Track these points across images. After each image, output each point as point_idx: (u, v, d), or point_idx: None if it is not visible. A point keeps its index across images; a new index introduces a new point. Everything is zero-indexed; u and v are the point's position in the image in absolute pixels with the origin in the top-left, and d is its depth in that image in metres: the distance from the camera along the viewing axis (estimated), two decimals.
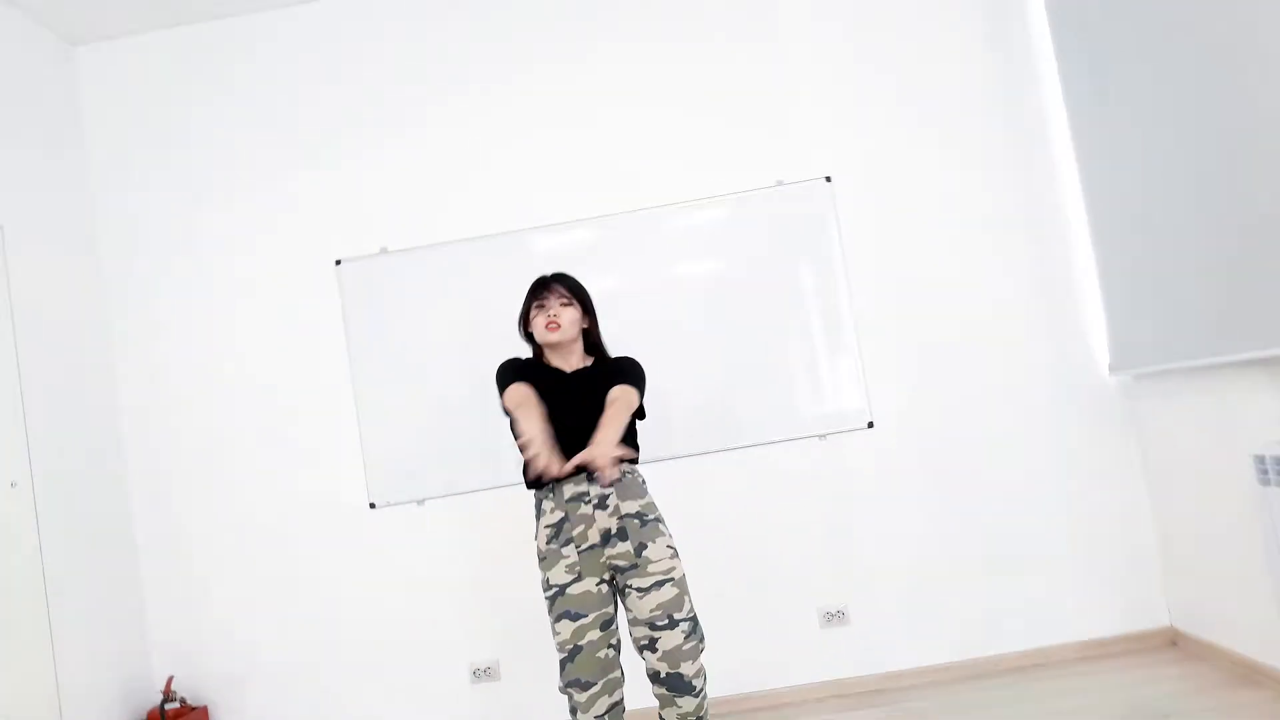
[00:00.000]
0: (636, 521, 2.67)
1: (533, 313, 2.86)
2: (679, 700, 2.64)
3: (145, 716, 3.82)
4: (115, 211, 4.15)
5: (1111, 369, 3.81)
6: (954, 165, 3.97)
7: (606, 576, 2.67)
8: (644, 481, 2.80)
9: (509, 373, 2.77)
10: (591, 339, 2.92)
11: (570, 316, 2.83)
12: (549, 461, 2.43)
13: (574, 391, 2.74)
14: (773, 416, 3.88)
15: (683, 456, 3.88)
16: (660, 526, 2.71)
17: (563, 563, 2.65)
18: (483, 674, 3.96)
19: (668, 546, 2.68)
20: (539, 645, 3.83)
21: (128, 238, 4.14)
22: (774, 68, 4.05)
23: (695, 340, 3.92)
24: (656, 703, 2.75)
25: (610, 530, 2.65)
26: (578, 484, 2.68)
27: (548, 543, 2.68)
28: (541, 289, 2.87)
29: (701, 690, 2.65)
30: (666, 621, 2.60)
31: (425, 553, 3.99)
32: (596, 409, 2.63)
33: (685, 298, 3.96)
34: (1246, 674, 3.30)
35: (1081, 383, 3.89)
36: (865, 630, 3.87)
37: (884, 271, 3.94)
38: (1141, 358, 3.55)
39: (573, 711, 2.62)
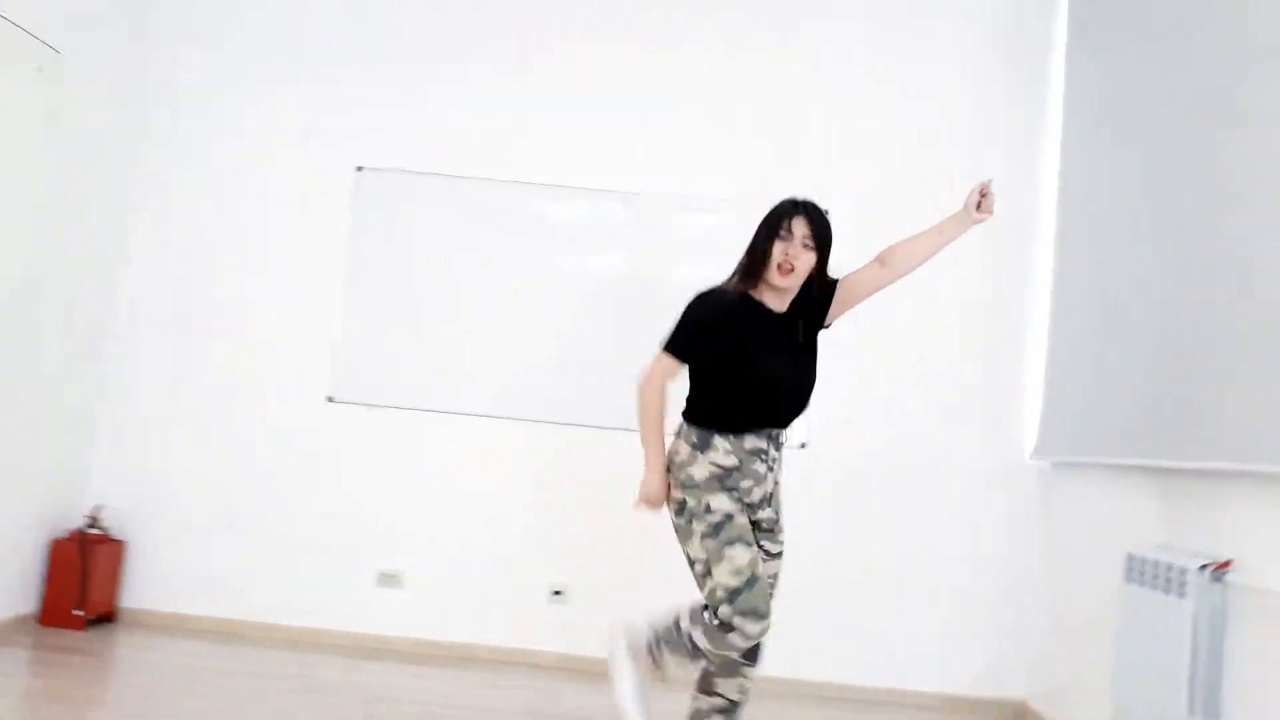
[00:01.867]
0: (779, 489, 2.69)
1: (775, 235, 2.57)
2: (747, 671, 2.64)
3: (67, 534, 4.02)
4: (167, 66, 4.35)
5: (1034, 454, 4.06)
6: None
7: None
8: None
9: (712, 310, 2.59)
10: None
11: (807, 263, 2.57)
12: None
13: (792, 341, 2.63)
14: None
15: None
16: None
17: (725, 494, 2.52)
18: (390, 579, 4.17)
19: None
20: (453, 565, 4.08)
21: (174, 95, 4.34)
22: (799, 96, 4.29)
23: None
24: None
25: (768, 494, 2.63)
26: (759, 438, 2.57)
27: (709, 476, 2.53)
28: (792, 213, 2.55)
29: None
30: (772, 591, 2.61)
31: (365, 454, 4.21)
32: (811, 360, 2.65)
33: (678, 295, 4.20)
34: None
35: (1005, 459, 4.14)
36: None
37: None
38: (1061, 448, 3.80)
39: (730, 646, 2.46)
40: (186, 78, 4.35)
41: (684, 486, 2.55)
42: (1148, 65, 3.44)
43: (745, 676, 2.65)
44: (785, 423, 2.64)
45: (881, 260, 2.74)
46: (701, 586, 2.56)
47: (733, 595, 2.44)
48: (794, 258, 2.54)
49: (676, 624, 2.57)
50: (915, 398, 4.15)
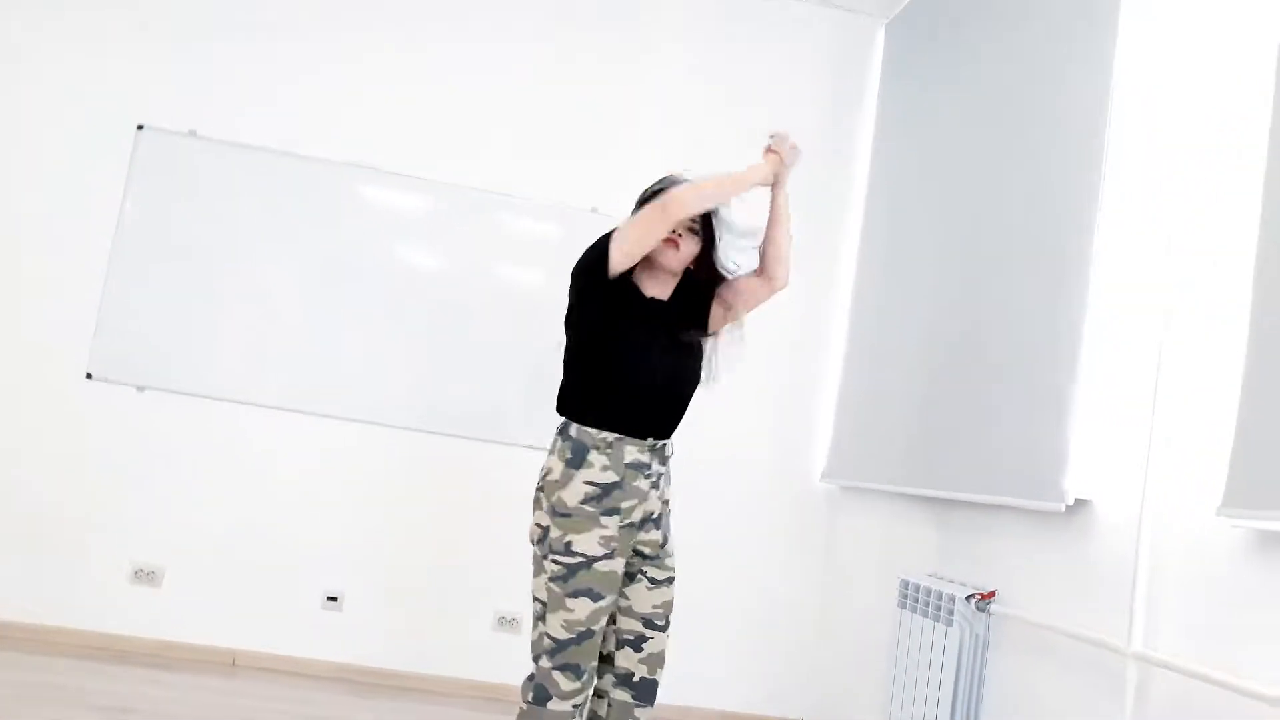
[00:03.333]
0: (667, 508, 2.45)
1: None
2: (639, 713, 2.40)
3: None
4: None
5: (823, 477, 4.16)
6: None
7: (631, 560, 2.38)
8: None
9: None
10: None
11: (690, 250, 2.40)
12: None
13: (671, 335, 2.41)
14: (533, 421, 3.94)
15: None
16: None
17: (598, 532, 2.26)
18: (145, 576, 3.83)
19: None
20: (217, 564, 3.79)
21: None
22: (631, 99, 4.25)
23: (500, 339, 4.01)
24: (605, 710, 2.43)
25: (653, 514, 2.38)
26: (642, 451, 2.32)
27: (583, 502, 2.26)
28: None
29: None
30: (663, 623, 2.41)
31: (126, 439, 3.85)
32: (694, 362, 2.44)
33: (501, 296, 4.06)
34: None
35: (796, 482, 4.22)
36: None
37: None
38: (846, 472, 3.91)
39: (545, 696, 2.26)
40: None
41: (553, 512, 2.29)
42: (935, 139, 3.60)
43: (635, 717, 2.42)
44: (666, 430, 2.39)
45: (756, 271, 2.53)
46: (533, 630, 2.36)
47: (557, 648, 2.27)
48: (680, 237, 2.34)
49: None
50: (715, 417, 4.15)
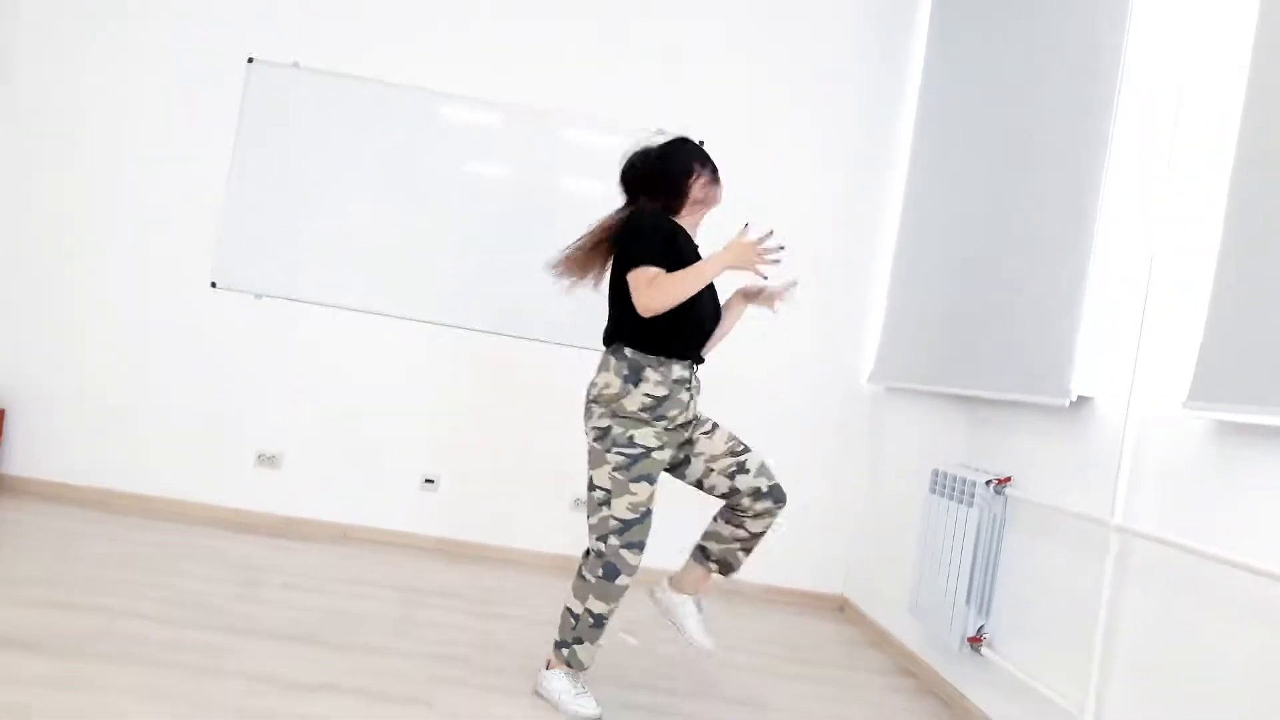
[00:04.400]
0: (700, 398, 2.95)
1: (702, 175, 2.81)
2: (778, 511, 2.84)
3: None
4: None
5: (870, 378, 4.50)
6: (808, 170, 4.56)
7: (681, 446, 2.81)
8: None
9: (667, 231, 2.73)
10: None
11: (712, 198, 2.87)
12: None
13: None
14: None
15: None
16: None
17: (652, 430, 2.68)
18: (267, 460, 4.39)
19: None
20: (329, 450, 4.33)
21: None
22: (684, 34, 4.52)
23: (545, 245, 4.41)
24: (739, 529, 2.86)
25: (691, 419, 2.81)
26: (684, 369, 2.74)
27: (640, 409, 2.67)
28: (709, 160, 2.85)
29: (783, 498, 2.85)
30: (743, 446, 2.83)
31: (248, 341, 4.37)
32: (713, 291, 2.82)
33: (562, 205, 4.44)
34: (878, 640, 4.07)
35: (845, 382, 4.59)
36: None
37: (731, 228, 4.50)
38: (891, 375, 4.24)
39: (615, 572, 2.68)
40: None
41: (614, 415, 2.68)
42: (976, 72, 3.80)
43: (774, 515, 2.86)
44: (700, 352, 2.82)
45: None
46: (591, 515, 2.73)
47: (624, 527, 2.67)
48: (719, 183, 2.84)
49: (567, 614, 2.78)
50: (774, 326, 4.53)
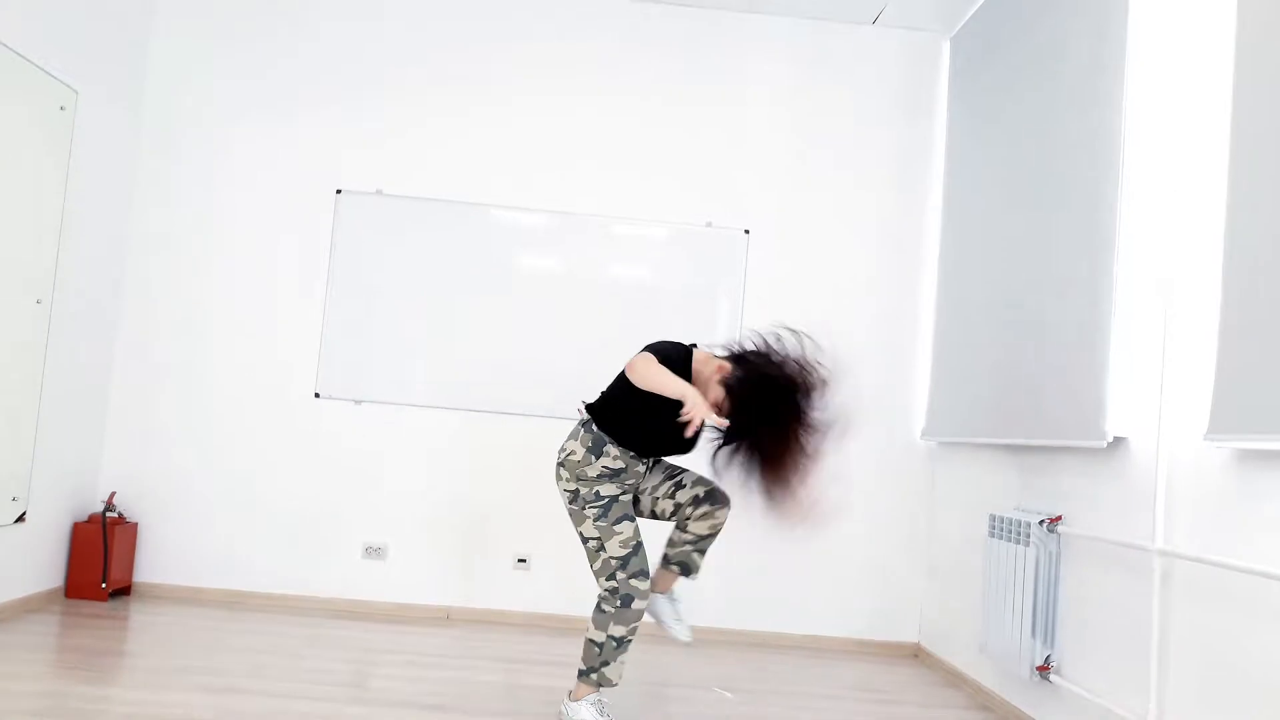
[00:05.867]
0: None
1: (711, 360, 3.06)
2: (717, 512, 3.18)
3: (87, 517, 4.56)
4: (165, 100, 4.88)
5: (923, 435, 4.84)
6: (849, 248, 4.98)
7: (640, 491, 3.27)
8: None
9: (681, 354, 3.04)
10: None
11: (715, 397, 2.98)
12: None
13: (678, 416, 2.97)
14: None
15: None
16: None
17: (612, 484, 3.13)
18: (373, 552, 4.79)
19: None
20: (429, 538, 4.72)
21: (173, 126, 4.87)
22: (726, 137, 5.00)
23: (614, 332, 4.84)
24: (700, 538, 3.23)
25: (645, 473, 3.24)
26: (641, 462, 3.20)
27: (598, 476, 3.11)
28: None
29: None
30: (680, 469, 3.26)
31: (349, 443, 4.81)
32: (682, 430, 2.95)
33: (613, 295, 4.89)
34: (953, 680, 4.34)
35: (900, 440, 4.93)
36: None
37: (778, 311, 4.91)
38: (942, 430, 4.58)
39: (630, 600, 3.07)
40: (184, 110, 4.87)
41: (577, 479, 3.12)
42: (997, 141, 4.22)
43: (716, 518, 3.21)
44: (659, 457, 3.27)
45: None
46: (594, 562, 3.13)
47: (624, 561, 3.08)
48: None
49: (590, 644, 3.12)
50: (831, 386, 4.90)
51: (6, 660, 3.52)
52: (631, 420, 3.10)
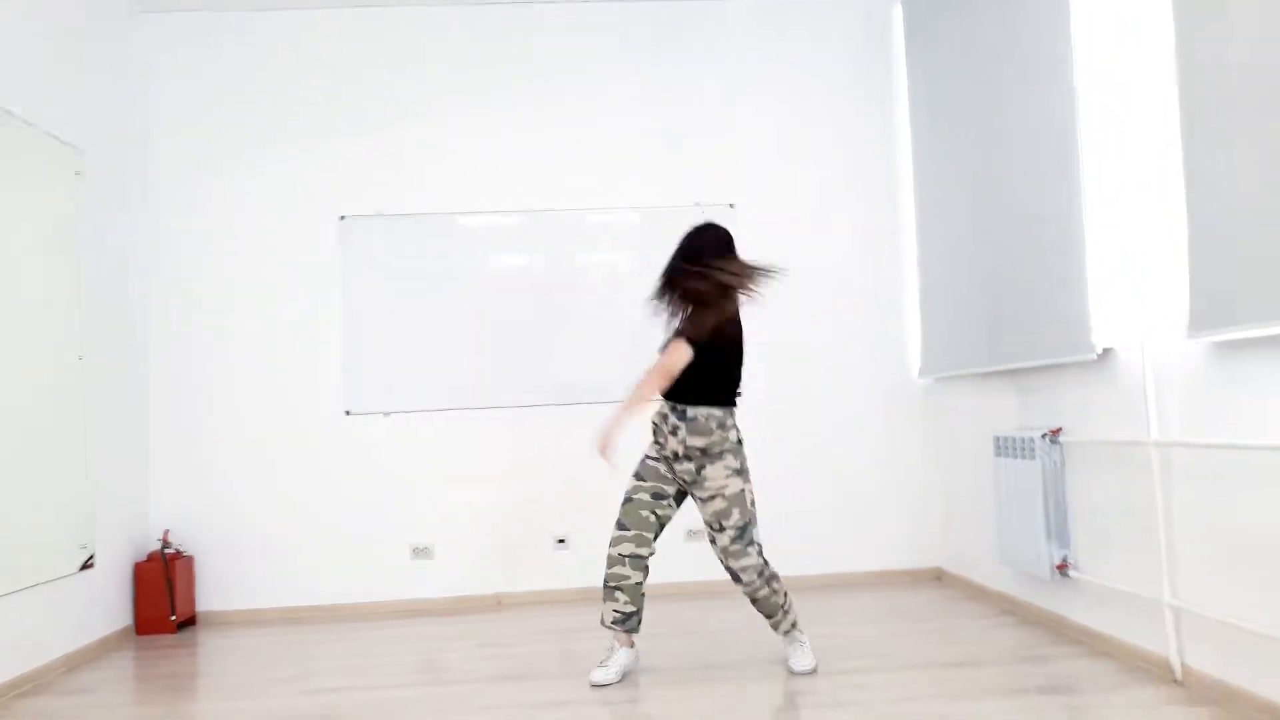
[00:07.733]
0: (700, 453, 3.45)
1: (742, 269, 3.50)
2: (735, 584, 3.51)
3: (147, 555, 4.78)
4: (169, 150, 5.08)
5: (920, 373, 5.16)
6: (827, 207, 5.27)
7: (677, 480, 3.53)
8: (719, 423, 3.45)
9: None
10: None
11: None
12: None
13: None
14: None
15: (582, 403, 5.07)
16: (728, 457, 3.46)
17: (654, 444, 3.58)
18: (421, 552, 5.05)
19: (727, 470, 3.44)
20: (471, 532, 4.98)
21: (177, 174, 5.08)
22: (706, 119, 5.27)
23: (594, 318, 5.11)
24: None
25: (678, 453, 3.48)
26: (662, 410, 3.53)
27: (653, 430, 3.57)
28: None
29: (751, 582, 3.44)
30: (718, 526, 3.45)
31: (382, 453, 5.06)
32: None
33: (611, 285, 5.16)
34: (977, 594, 4.67)
35: (898, 380, 5.24)
36: None
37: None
38: (938, 366, 4.90)
39: (610, 544, 3.54)
40: (188, 152, 5.09)
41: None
42: (957, 86, 4.52)
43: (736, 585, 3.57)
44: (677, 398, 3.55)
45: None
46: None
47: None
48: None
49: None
50: (829, 339, 5.21)
51: (110, 691, 3.76)
52: (719, 379, 3.47)
